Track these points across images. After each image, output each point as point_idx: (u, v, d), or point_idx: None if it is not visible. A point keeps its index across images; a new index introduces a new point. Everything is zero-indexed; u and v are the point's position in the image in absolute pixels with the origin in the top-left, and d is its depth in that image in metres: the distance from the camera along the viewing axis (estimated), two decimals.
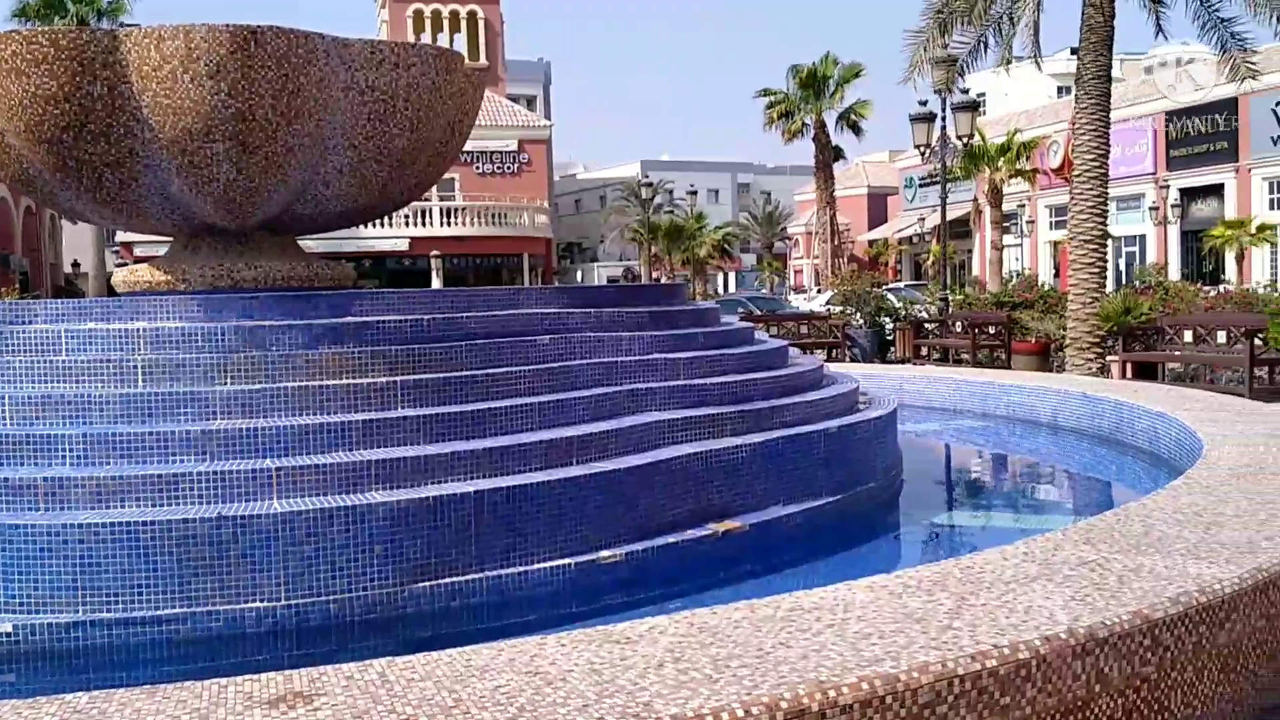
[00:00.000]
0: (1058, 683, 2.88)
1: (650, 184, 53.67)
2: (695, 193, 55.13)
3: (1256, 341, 13.49)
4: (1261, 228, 38.55)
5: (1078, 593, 3.23)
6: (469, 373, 5.70)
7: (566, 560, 5.07)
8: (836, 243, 53.07)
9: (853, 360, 20.35)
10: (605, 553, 5.16)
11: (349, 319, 5.84)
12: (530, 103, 64.03)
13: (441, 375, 5.62)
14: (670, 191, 64.11)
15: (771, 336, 19.58)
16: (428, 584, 4.81)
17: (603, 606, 5.02)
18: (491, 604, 4.91)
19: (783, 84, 50.70)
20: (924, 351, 20.36)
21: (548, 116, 62.71)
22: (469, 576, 4.88)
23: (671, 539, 5.42)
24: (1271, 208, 39.59)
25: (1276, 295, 14.76)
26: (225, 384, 5.37)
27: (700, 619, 3.14)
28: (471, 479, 5.08)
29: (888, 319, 22.46)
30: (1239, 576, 3.37)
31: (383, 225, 44.40)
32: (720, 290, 66.41)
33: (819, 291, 43.33)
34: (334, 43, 6.46)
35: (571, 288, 7.01)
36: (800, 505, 6.13)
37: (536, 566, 5.01)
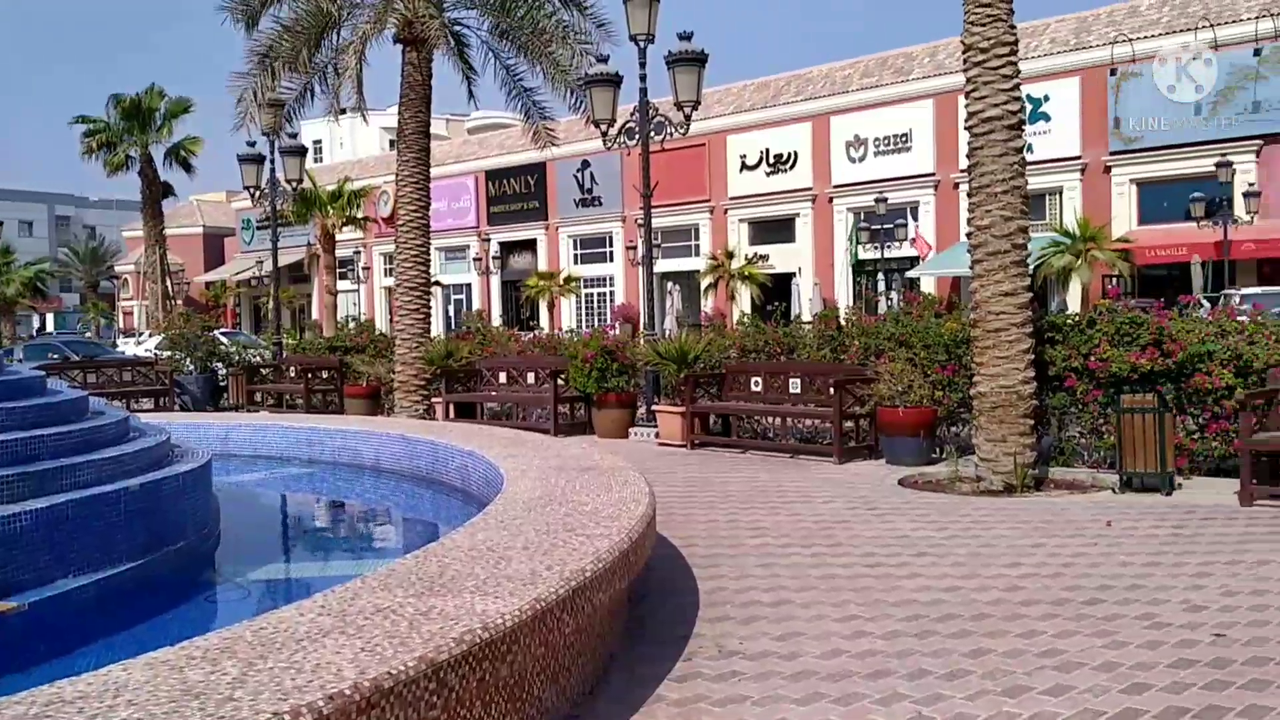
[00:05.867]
0: None
1: None
2: (1, 223, 48.93)
3: (560, 381, 14.96)
4: (568, 279, 43.23)
5: (369, 643, 3.19)
6: None
7: None
8: (169, 284, 50.23)
9: (182, 408, 19.25)
10: None
11: None
12: None
13: None
14: None
15: (91, 385, 17.95)
16: None
17: None
18: None
19: (105, 113, 47.07)
20: (258, 397, 19.85)
21: None
22: None
23: None
24: (576, 262, 44.54)
25: (576, 340, 16.47)
26: None
27: None
28: None
29: (220, 364, 21.57)
30: (519, 609, 3.55)
31: None
32: (35, 333, 59.49)
33: (149, 335, 40.58)
34: None
35: None
36: (95, 574, 5.53)
37: None
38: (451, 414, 16.04)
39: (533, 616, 3.57)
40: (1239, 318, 10.47)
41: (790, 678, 4.65)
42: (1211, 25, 28.53)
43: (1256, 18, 27.99)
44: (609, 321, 35.76)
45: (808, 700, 4.38)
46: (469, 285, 48.47)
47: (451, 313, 47.60)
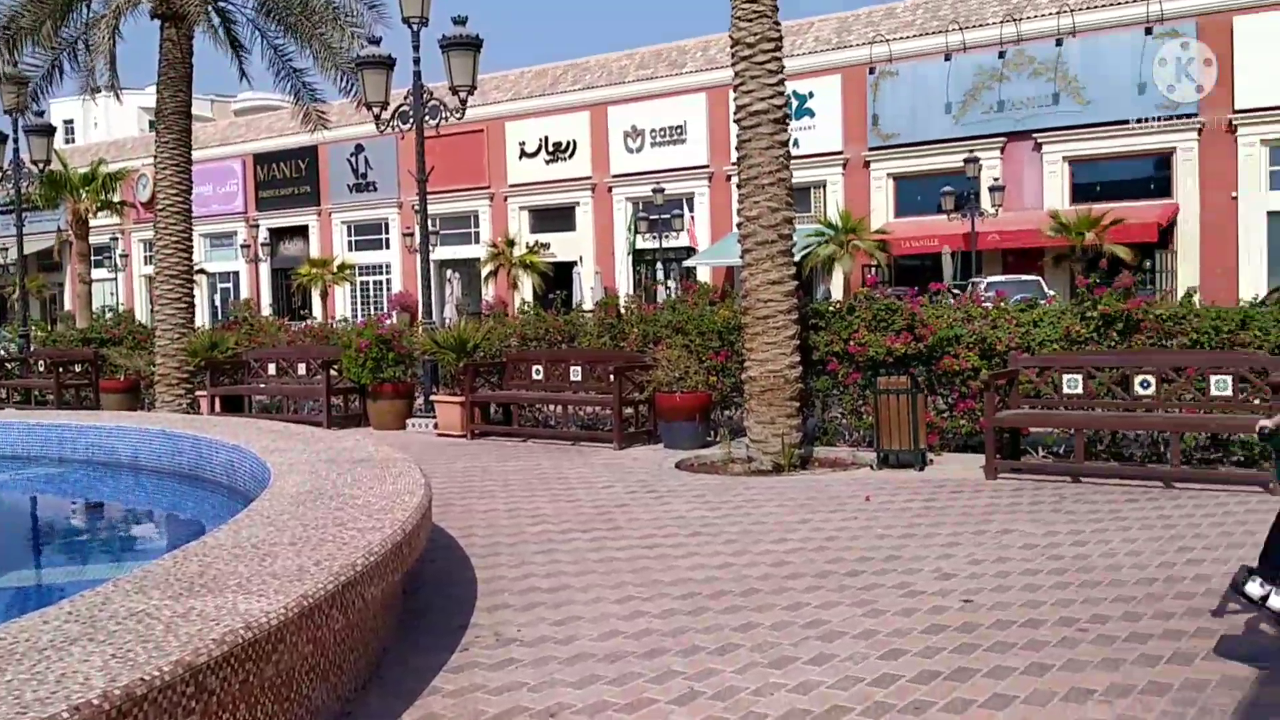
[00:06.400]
0: None
1: None
2: None
3: (333, 372, 14.54)
4: (342, 267, 42.03)
5: (120, 649, 3.02)
6: None
7: None
8: None
9: None
10: None
11: None
12: None
13: None
14: None
15: None
16: None
17: None
18: None
19: None
20: (3, 394, 18.50)
21: None
22: None
23: None
24: (350, 249, 43.36)
25: (350, 329, 16.05)
26: None
27: None
28: None
29: None
30: (285, 606, 3.44)
31: None
32: None
33: None
34: None
35: None
36: None
37: None
38: (218, 408, 15.36)
39: (300, 614, 3.47)
40: (984, 304, 11.22)
41: (567, 661, 4.70)
42: (961, 28, 30.36)
43: (1001, 22, 29.97)
44: (385, 310, 34.99)
45: (584, 683, 4.43)
46: (236, 273, 46.46)
47: (218, 302, 45.60)
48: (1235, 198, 27.71)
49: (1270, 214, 27.63)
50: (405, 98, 14.94)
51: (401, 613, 5.36)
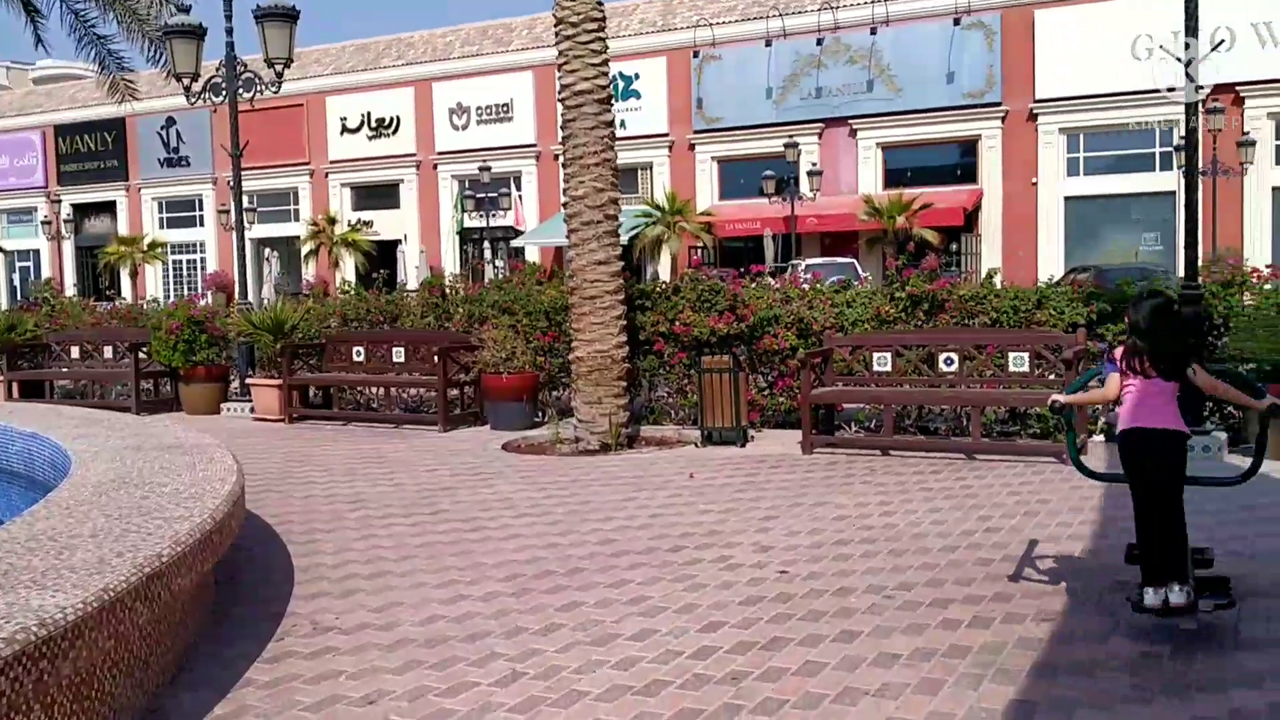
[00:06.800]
0: None
1: None
2: None
3: (141, 355, 13.90)
4: (153, 245, 40.11)
5: None
6: None
7: None
8: None
9: None
10: None
11: None
12: None
13: None
14: None
15: None
16: None
17: None
18: None
19: None
20: None
21: None
22: None
23: None
24: (162, 226, 41.45)
25: (161, 309, 15.36)
26: None
27: None
28: None
29: None
30: (84, 601, 3.29)
31: None
32: None
33: None
34: None
35: None
36: None
37: None
38: (16, 394, 14.49)
39: (100, 609, 3.33)
40: (801, 285, 11.55)
41: (387, 648, 4.64)
42: (781, 15, 31.04)
43: (819, 9, 30.77)
44: (200, 290, 33.58)
45: (405, 669, 4.39)
46: (37, 251, 43.84)
47: (17, 282, 43.00)
48: (1035, 184, 29.26)
49: (1067, 199, 29.29)
50: (218, 69, 14.34)
51: (214, 604, 5.19)
